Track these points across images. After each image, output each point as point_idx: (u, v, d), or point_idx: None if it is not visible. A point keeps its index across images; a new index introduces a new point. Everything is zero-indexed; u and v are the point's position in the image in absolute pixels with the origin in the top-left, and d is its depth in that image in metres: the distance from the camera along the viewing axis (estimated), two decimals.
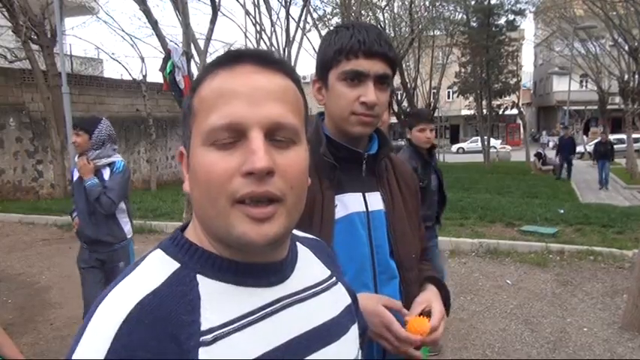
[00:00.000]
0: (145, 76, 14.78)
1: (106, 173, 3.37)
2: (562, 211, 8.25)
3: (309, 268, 0.81)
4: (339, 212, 1.24)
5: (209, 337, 0.62)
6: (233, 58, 0.69)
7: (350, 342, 0.81)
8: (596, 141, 19.05)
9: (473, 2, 22.02)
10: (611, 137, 18.65)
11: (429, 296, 1.30)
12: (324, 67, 1.26)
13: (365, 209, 1.27)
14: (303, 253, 0.83)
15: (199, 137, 0.66)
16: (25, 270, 6.10)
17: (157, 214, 8.96)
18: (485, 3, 22.19)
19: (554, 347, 3.92)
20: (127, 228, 3.54)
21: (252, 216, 0.63)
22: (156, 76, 17.98)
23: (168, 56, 8.10)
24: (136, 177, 14.87)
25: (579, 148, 23.68)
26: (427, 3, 18.18)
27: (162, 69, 8.19)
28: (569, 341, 4.01)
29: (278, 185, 0.64)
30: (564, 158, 17.49)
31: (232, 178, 0.63)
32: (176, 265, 0.67)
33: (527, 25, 58.82)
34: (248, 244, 0.64)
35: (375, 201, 1.30)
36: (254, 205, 0.63)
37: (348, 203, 1.26)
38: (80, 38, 42.94)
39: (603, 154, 15.61)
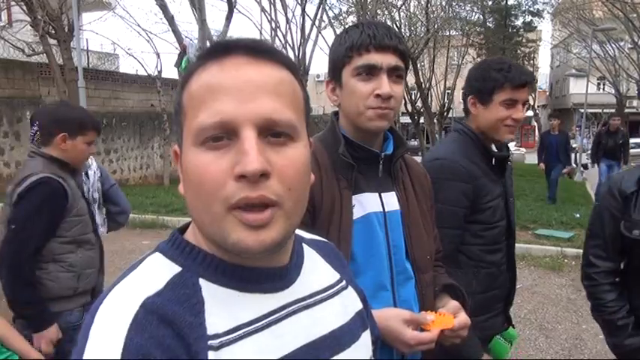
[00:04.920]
0: (160, 72, 14.85)
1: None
2: (578, 215, 8.09)
3: (316, 271, 0.77)
4: (357, 212, 1.23)
5: (215, 342, 0.59)
6: (223, 50, 0.64)
7: (361, 349, 0.77)
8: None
9: (490, 3, 21.83)
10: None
11: (454, 305, 1.29)
12: (336, 66, 1.26)
13: (382, 209, 1.26)
14: (310, 255, 0.79)
15: (190, 137, 0.62)
16: None
17: (169, 209, 8.98)
18: (503, 3, 21.99)
19: (569, 354, 3.86)
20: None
21: (247, 222, 0.59)
22: (171, 72, 18.08)
23: (183, 52, 8.16)
24: (149, 172, 14.97)
25: None
26: (443, 3, 18.04)
27: (178, 65, 8.25)
28: (584, 348, 3.95)
29: (274, 188, 0.59)
30: (550, 168, 9.86)
31: (225, 181, 0.58)
32: (177, 268, 0.64)
33: (545, 26, 58.18)
34: (244, 251, 0.60)
35: (391, 201, 1.29)
36: (249, 211, 0.59)
37: (366, 203, 1.25)
38: (97, 33, 43.14)
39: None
